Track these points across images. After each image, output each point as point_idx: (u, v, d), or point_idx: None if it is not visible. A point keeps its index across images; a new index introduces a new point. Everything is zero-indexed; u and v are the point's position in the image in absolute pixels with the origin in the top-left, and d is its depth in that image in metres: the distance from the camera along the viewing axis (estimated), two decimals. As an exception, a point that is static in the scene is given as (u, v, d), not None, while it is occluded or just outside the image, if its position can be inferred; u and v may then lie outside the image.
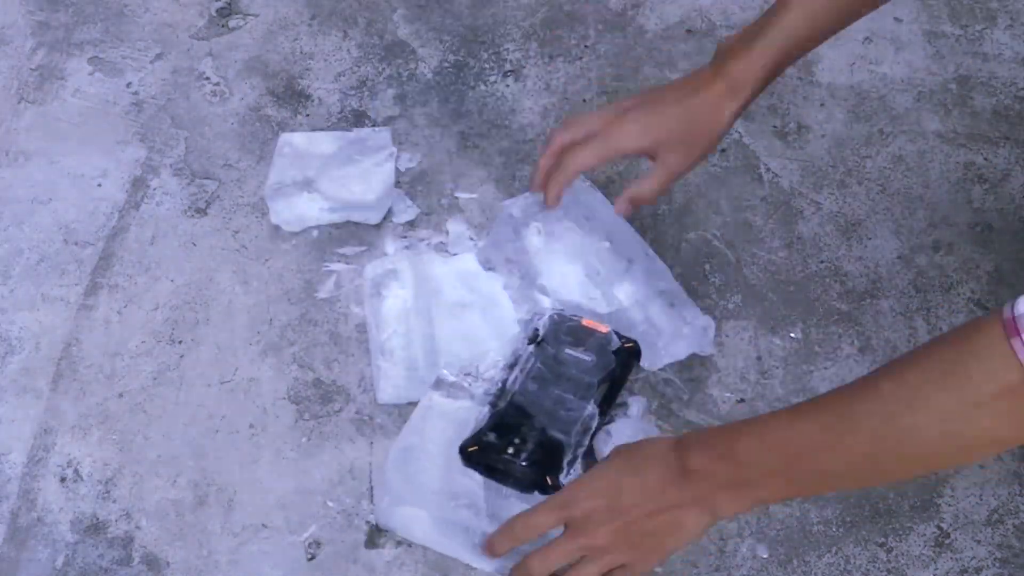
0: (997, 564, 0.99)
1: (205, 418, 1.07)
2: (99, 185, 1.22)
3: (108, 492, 1.02)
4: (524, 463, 0.96)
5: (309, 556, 0.99)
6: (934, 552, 1.00)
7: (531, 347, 1.03)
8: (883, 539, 1.01)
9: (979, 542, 1.01)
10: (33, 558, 0.99)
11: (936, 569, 0.99)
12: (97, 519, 1.01)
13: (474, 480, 0.98)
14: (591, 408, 0.99)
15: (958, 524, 1.02)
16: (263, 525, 1.01)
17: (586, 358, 1.02)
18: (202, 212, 1.20)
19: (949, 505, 1.03)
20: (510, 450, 0.96)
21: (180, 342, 1.11)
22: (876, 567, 0.99)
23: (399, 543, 1.00)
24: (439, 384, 1.03)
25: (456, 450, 0.98)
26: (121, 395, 1.08)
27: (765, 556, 1.00)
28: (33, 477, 1.03)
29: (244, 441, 1.05)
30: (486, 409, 1.00)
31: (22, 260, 1.17)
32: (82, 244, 1.18)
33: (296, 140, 1.23)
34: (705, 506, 0.82)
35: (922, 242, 1.19)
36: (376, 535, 1.00)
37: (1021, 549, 1.00)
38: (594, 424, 1.00)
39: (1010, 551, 1.00)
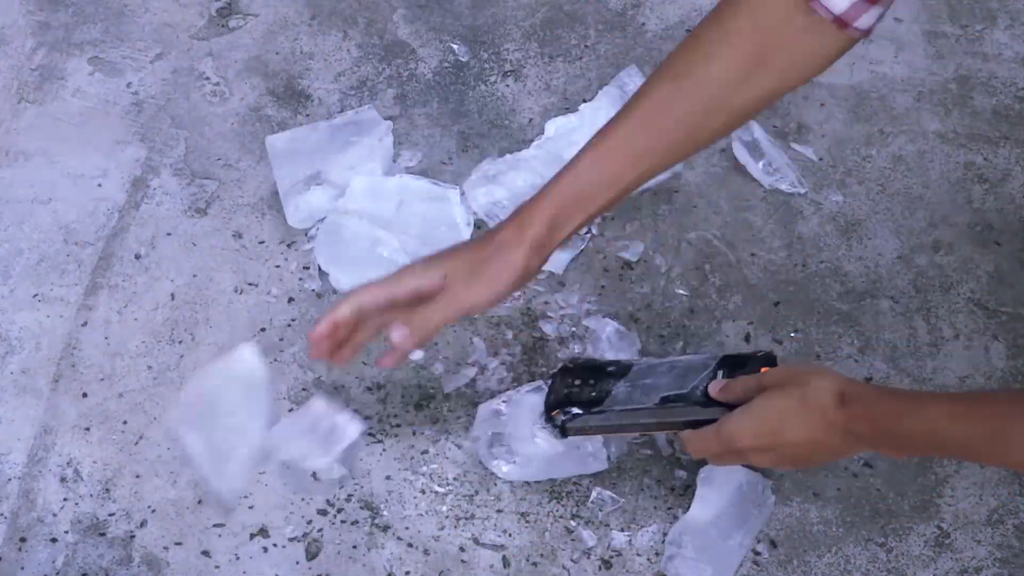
0: (997, 564, 0.99)
1: (205, 418, 1.07)
2: (99, 185, 1.22)
3: (108, 492, 1.02)
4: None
5: (309, 556, 0.99)
6: (934, 552, 1.00)
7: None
8: (883, 539, 1.01)
9: (979, 542, 1.01)
10: (33, 558, 0.99)
11: (936, 569, 0.99)
12: (97, 519, 1.01)
13: None
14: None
15: (958, 524, 1.01)
16: (263, 525, 1.01)
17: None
18: (202, 212, 1.20)
19: (949, 505, 1.03)
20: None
21: (180, 342, 1.11)
22: (876, 567, 0.99)
23: (399, 542, 1.00)
24: None
25: None
26: (121, 395, 1.08)
27: (765, 556, 1.00)
28: (33, 477, 1.03)
29: (244, 441, 1.05)
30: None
31: (22, 260, 1.16)
32: (82, 244, 1.18)
33: (280, 143, 1.21)
34: (858, 451, 0.97)
35: (922, 242, 1.19)
36: (376, 535, 1.00)
37: (1021, 549, 1.00)
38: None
39: (1010, 551, 1.00)
